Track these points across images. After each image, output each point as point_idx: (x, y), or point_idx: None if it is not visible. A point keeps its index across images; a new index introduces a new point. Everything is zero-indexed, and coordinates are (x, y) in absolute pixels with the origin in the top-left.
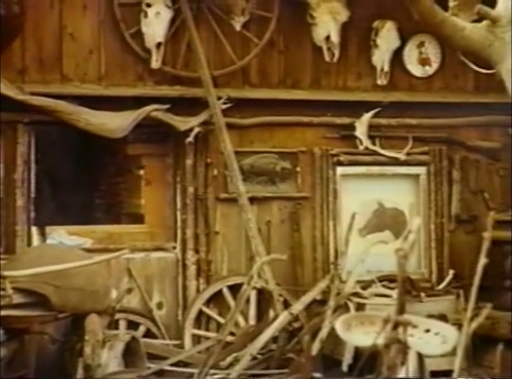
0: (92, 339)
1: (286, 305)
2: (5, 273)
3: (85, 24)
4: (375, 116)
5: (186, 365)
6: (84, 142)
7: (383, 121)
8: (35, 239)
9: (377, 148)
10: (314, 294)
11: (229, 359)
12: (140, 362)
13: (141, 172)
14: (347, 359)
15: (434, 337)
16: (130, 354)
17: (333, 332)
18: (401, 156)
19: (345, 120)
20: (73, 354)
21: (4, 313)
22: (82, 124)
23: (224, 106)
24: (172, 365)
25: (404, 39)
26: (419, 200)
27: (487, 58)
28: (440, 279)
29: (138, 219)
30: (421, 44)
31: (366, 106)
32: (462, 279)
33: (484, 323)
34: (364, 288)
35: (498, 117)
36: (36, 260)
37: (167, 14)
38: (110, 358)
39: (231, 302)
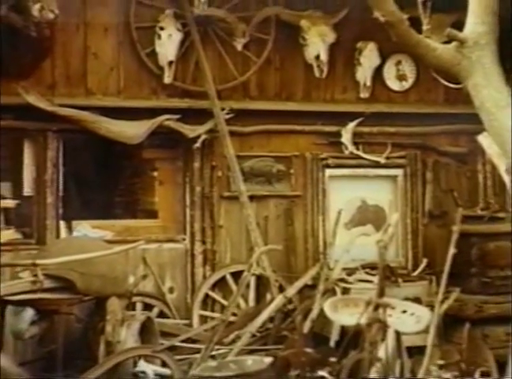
0: (113, 318)
1: (281, 289)
2: (38, 261)
3: (107, 45)
4: (359, 125)
5: (194, 341)
6: (105, 147)
7: (365, 129)
8: (63, 232)
9: (360, 153)
10: (305, 279)
11: (231, 336)
12: (154, 339)
13: (155, 174)
14: (334, 336)
15: (410, 317)
16: (146, 332)
17: (322, 313)
18: (381, 160)
19: (333, 128)
20: (95, 332)
21: (36, 296)
22: (103, 131)
23: (227, 116)
24: (182, 341)
25: (383, 58)
26: (397, 198)
27: (456, 74)
28: (415, 266)
29: (152, 214)
30: (398, 62)
31: (350, 116)
32: (434, 266)
33: (453, 305)
34: (349, 274)
35: (465, 125)
36: (64, 250)
37: (177, 36)
38: (128, 336)
39: (234, 287)
